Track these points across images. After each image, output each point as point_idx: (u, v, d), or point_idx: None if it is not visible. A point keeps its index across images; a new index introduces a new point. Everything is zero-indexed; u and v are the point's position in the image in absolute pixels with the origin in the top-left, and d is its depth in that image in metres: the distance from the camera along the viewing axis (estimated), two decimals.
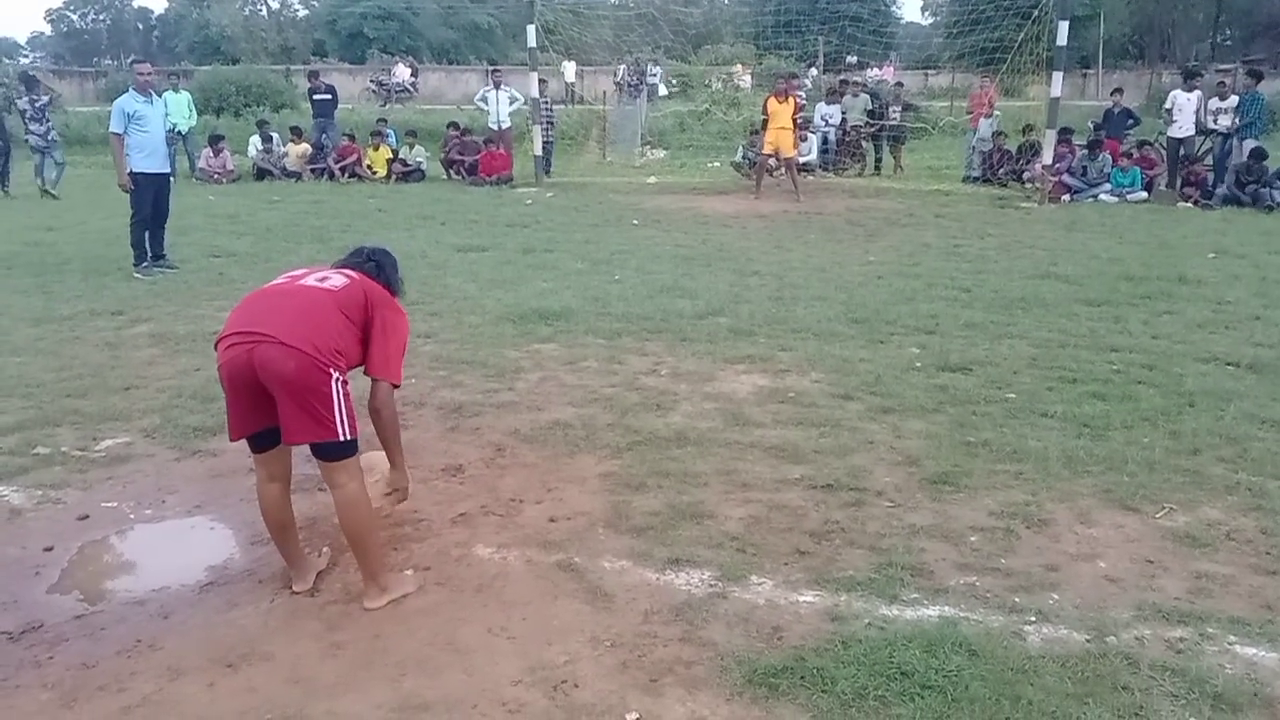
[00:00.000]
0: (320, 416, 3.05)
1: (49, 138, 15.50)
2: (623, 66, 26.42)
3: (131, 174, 8.88)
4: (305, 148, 18.05)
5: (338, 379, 3.07)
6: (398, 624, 3.17)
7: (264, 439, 3.24)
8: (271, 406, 3.09)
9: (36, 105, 15.55)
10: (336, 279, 3.30)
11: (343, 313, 3.19)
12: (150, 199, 9.04)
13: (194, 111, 18.41)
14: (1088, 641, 3.01)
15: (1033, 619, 3.14)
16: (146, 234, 9.08)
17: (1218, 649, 2.98)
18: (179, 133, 17.58)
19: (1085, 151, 14.96)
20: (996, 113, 17.26)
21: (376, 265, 3.52)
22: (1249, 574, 3.46)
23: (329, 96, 18.72)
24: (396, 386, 3.36)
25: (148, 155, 8.96)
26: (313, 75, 19.69)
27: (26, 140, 15.68)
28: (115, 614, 3.28)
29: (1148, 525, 3.86)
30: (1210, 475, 4.31)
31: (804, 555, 3.59)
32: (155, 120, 9.00)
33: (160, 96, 9.25)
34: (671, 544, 3.67)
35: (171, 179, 9.55)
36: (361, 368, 3.30)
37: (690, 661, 2.93)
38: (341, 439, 3.10)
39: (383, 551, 3.38)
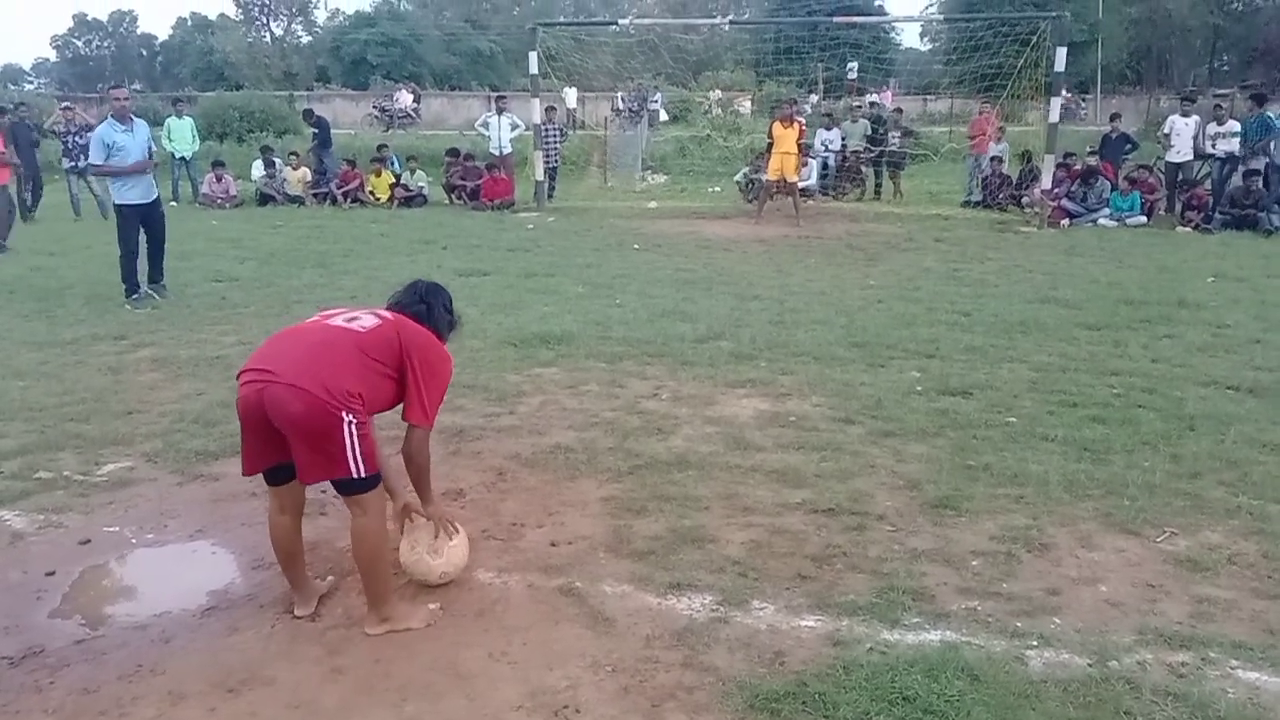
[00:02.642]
0: (333, 455, 3.04)
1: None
2: (619, 94, 26.58)
3: (116, 207, 8.93)
4: (304, 171, 18.15)
5: (350, 421, 3.02)
6: (399, 649, 3.17)
7: (279, 473, 3.26)
8: (284, 443, 3.10)
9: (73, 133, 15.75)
10: (367, 319, 3.28)
11: (366, 354, 3.16)
12: (136, 231, 8.95)
13: (197, 137, 18.52)
14: (1089, 666, 3.01)
15: (1034, 643, 3.14)
16: (136, 265, 9.00)
17: (1220, 674, 2.98)
18: (183, 158, 17.72)
19: (1077, 181, 15.02)
20: (1004, 143, 17.35)
21: (427, 308, 3.50)
22: (1251, 598, 3.46)
23: (316, 130, 18.74)
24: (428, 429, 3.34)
25: (130, 187, 8.85)
26: (306, 114, 19.90)
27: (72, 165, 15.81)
28: (117, 639, 3.28)
29: (1149, 549, 3.86)
30: (1211, 499, 4.31)
31: (805, 580, 3.59)
32: (136, 149, 8.82)
33: (139, 123, 9.04)
34: (673, 568, 3.67)
35: (165, 204, 9.45)
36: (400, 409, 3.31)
37: (692, 687, 2.93)
38: (355, 476, 3.09)
39: (389, 583, 3.36)
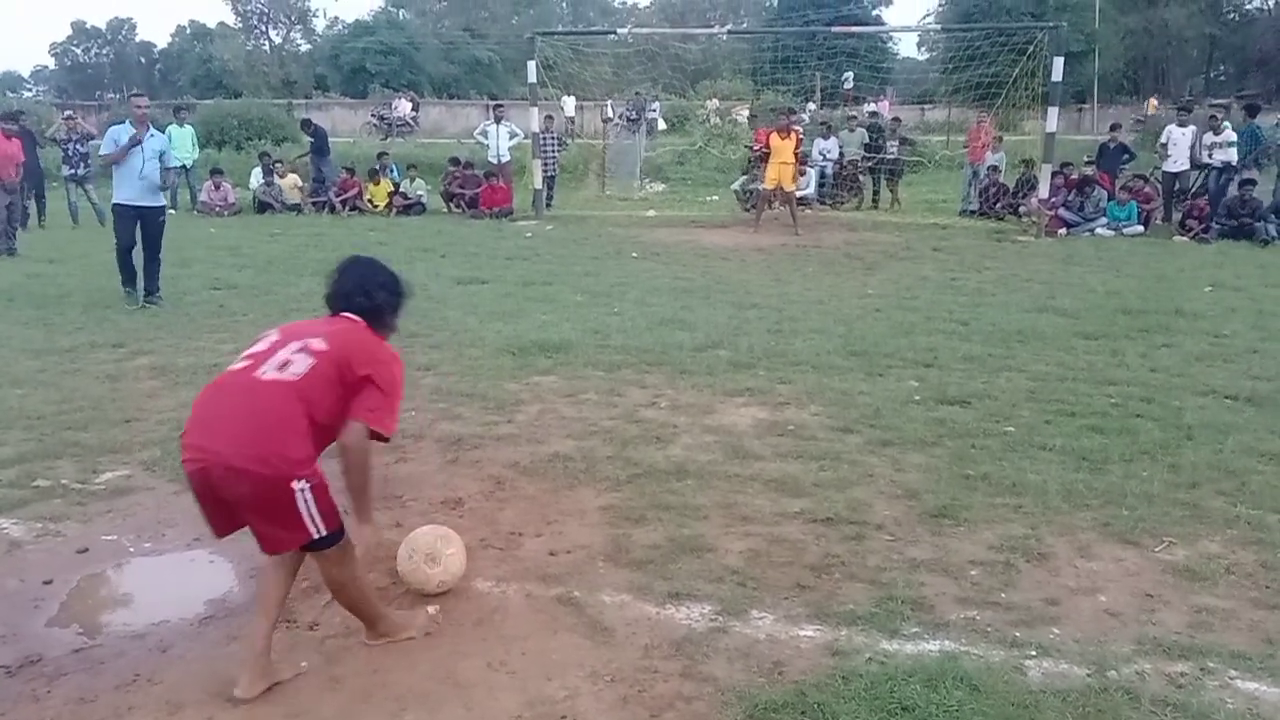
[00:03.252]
0: (291, 525, 2.84)
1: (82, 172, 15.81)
2: (609, 102, 26.61)
3: (113, 205, 9.10)
4: (293, 178, 18.19)
5: (303, 488, 2.79)
6: (397, 658, 3.16)
7: None
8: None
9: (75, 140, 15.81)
10: (299, 362, 2.91)
11: (308, 403, 2.86)
12: (129, 229, 9.08)
13: (197, 146, 18.58)
14: (1088, 676, 3.01)
15: (1033, 653, 3.14)
16: (130, 257, 9.19)
17: (1219, 684, 2.98)
18: (183, 167, 17.76)
19: (1073, 191, 15.07)
20: (1001, 152, 17.39)
21: (372, 303, 3.18)
22: (1249, 608, 3.46)
23: (313, 139, 18.81)
24: (385, 440, 3.04)
25: (126, 187, 9.03)
26: (304, 124, 19.94)
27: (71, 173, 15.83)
28: (114, 648, 3.27)
29: (1147, 559, 3.86)
30: (1209, 508, 4.32)
31: (804, 589, 3.59)
32: (147, 155, 8.98)
33: (161, 132, 9.30)
34: (672, 578, 3.66)
35: (165, 212, 9.50)
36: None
37: (691, 697, 2.92)
38: (316, 537, 2.88)
39: (377, 608, 3.22)
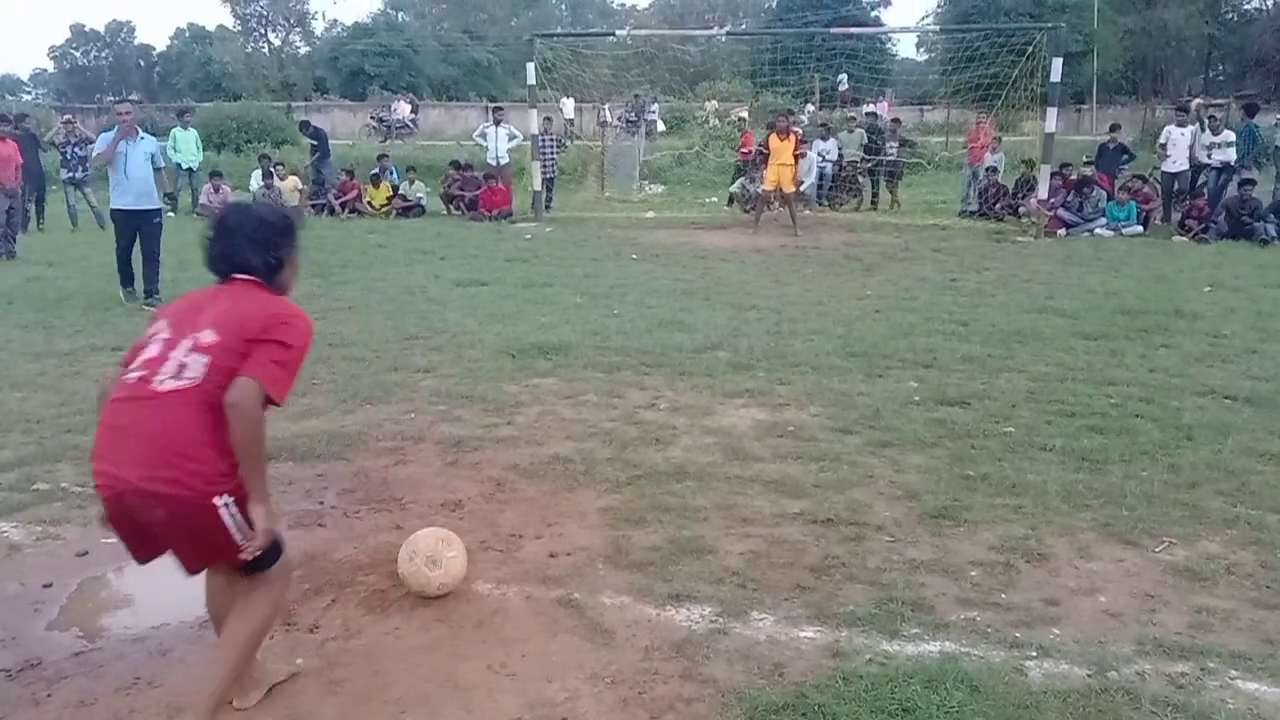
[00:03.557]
0: (218, 545, 2.59)
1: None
2: (606, 106, 26.61)
3: (111, 213, 9.30)
4: (294, 180, 18.20)
5: (226, 503, 2.54)
6: (397, 661, 3.16)
7: None
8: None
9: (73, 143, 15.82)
10: (194, 365, 2.56)
11: (214, 408, 2.52)
12: (127, 233, 9.25)
13: (201, 148, 18.63)
14: (1089, 677, 3.01)
15: (1034, 654, 3.14)
16: (130, 258, 9.35)
17: (1219, 684, 2.98)
18: (188, 168, 17.81)
19: (1072, 191, 15.08)
20: (1000, 153, 17.39)
21: (261, 262, 2.77)
22: (1249, 608, 3.46)
23: (315, 142, 18.84)
24: (276, 404, 2.61)
25: (122, 193, 9.17)
26: (303, 126, 19.98)
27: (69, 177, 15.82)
28: (114, 651, 3.27)
29: (1147, 559, 3.86)
30: (1209, 509, 4.32)
31: (804, 590, 3.59)
32: (135, 159, 9.11)
33: (165, 135, 9.47)
34: (672, 579, 3.66)
35: (161, 214, 9.58)
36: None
37: (691, 699, 2.92)
38: (249, 559, 2.64)
39: (248, 668, 2.86)
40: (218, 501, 2.53)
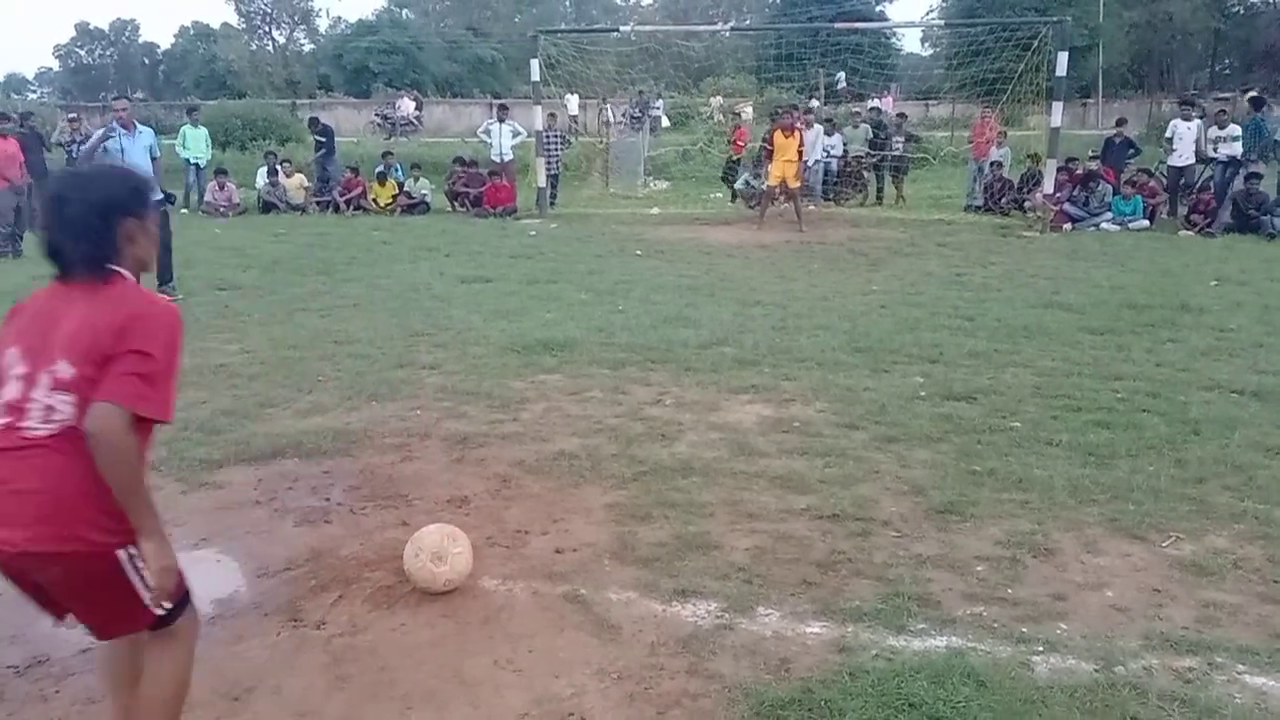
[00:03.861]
0: (126, 606, 2.27)
1: None
2: (609, 105, 26.62)
3: None
4: (300, 178, 18.23)
5: (131, 554, 2.22)
6: (404, 657, 3.17)
7: None
8: None
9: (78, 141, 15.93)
10: (61, 406, 2.17)
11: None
12: None
13: (210, 146, 18.72)
14: (1096, 671, 3.00)
15: (1040, 649, 3.13)
16: None
17: (1226, 678, 2.97)
18: (197, 165, 17.89)
19: (1078, 185, 15.05)
20: (1005, 147, 17.35)
21: (103, 249, 2.37)
22: (1257, 603, 3.46)
23: (322, 139, 18.89)
24: (165, 422, 2.27)
25: None
26: (311, 123, 20.04)
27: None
28: None
29: (1154, 554, 3.86)
30: (1216, 503, 4.31)
31: (811, 586, 3.59)
32: (135, 152, 9.24)
33: (144, 130, 9.70)
34: (678, 575, 3.66)
35: (165, 203, 9.65)
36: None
37: (697, 694, 2.92)
38: (161, 615, 2.33)
39: None
40: (120, 554, 2.21)
